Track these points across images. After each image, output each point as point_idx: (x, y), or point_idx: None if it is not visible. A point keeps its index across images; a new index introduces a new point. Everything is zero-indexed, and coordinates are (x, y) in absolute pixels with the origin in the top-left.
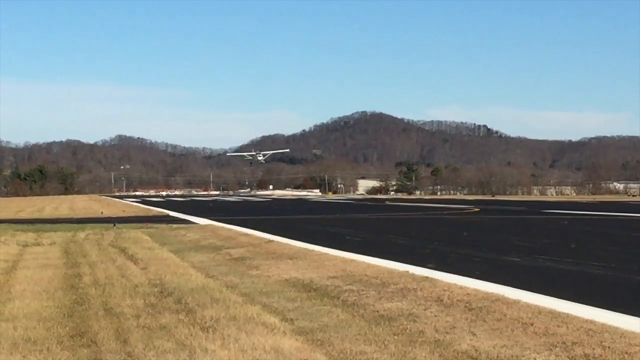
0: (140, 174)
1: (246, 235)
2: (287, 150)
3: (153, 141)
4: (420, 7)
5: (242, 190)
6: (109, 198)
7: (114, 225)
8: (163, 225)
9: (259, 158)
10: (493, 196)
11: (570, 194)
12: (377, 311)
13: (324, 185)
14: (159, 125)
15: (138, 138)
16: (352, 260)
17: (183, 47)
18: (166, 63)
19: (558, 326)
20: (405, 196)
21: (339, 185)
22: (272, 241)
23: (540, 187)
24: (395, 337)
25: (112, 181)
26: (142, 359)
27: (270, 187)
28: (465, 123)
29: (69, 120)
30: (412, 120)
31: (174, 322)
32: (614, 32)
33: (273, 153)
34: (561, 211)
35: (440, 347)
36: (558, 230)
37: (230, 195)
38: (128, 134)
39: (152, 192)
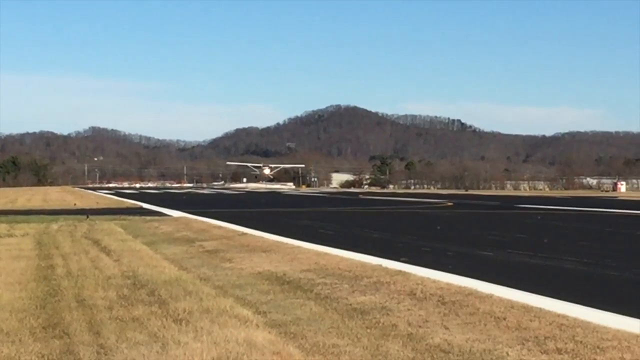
0: (114, 165)
1: (219, 227)
2: (302, 165)
3: (127, 133)
4: (394, 1)
5: (216, 183)
6: (82, 190)
7: (87, 217)
8: (136, 218)
9: (266, 172)
10: (466, 190)
11: (543, 189)
12: (350, 304)
13: (297, 178)
14: (133, 117)
15: (112, 130)
16: (326, 254)
17: (157, 39)
18: (140, 55)
19: (531, 320)
20: (378, 190)
21: (312, 179)
22: (246, 234)
23: (513, 182)
24: (368, 330)
25: (86, 173)
26: (115, 351)
27: (244, 180)
28: (439, 117)
29: (42, 112)
30: (386, 114)
31: (147, 314)
32: (588, 29)
33: (282, 168)
34: (534, 206)
35: (413, 340)
36: (531, 225)
37: (203, 188)
38: (102, 126)
39: (125, 184)
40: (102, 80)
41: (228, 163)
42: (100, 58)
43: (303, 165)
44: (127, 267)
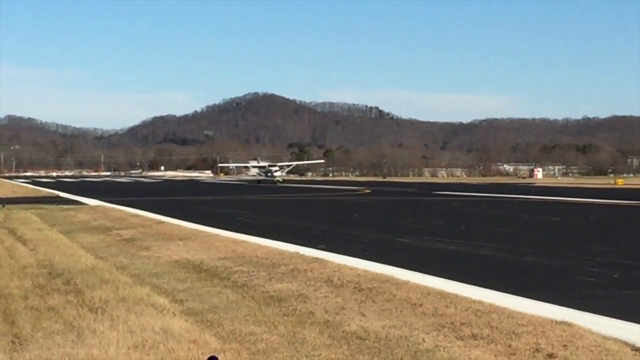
0: (31, 154)
1: (137, 216)
2: (322, 161)
3: (43, 121)
4: None
5: (134, 171)
6: None
7: (3, 206)
8: (53, 206)
9: (276, 174)
10: (384, 178)
11: (461, 176)
12: (267, 292)
13: (215, 166)
14: (50, 106)
15: (28, 118)
16: (243, 241)
17: (74, 27)
18: (57, 43)
19: (447, 307)
20: (297, 177)
21: (230, 167)
22: (163, 222)
23: (431, 169)
24: (285, 318)
25: (2, 162)
26: (30, 341)
27: (162, 168)
28: (357, 105)
29: None
30: (304, 102)
31: (63, 303)
32: (505, 16)
33: (286, 165)
34: (452, 193)
35: (330, 328)
36: (448, 211)
37: (121, 176)
38: (18, 114)
39: (42, 173)
40: (18, 68)
41: (232, 165)
42: (17, 46)
43: (323, 161)
44: (43, 256)
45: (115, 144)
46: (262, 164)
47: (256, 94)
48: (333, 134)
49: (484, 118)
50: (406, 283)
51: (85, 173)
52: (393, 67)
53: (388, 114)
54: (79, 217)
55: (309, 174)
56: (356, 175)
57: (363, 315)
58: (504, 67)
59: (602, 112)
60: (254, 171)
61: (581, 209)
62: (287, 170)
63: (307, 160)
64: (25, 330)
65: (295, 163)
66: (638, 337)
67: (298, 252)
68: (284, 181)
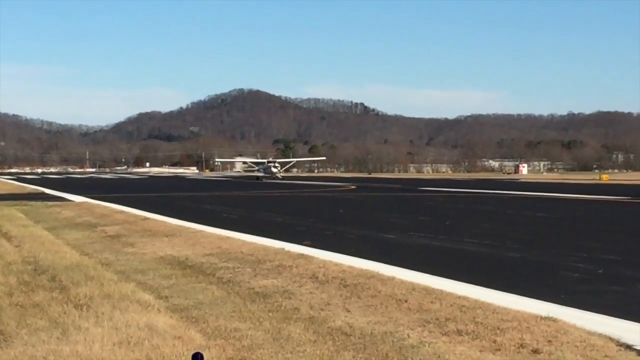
0: (15, 151)
1: (122, 212)
2: (324, 158)
3: (28, 118)
4: None
5: (119, 168)
6: None
7: None
8: (38, 203)
9: (275, 170)
10: (370, 174)
11: (446, 172)
12: (253, 288)
13: (201, 162)
14: (35, 102)
15: (13, 115)
16: (228, 238)
17: (60, 23)
18: (42, 40)
19: (432, 302)
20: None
21: (216, 163)
22: (148, 218)
23: (416, 165)
24: (270, 314)
25: None
26: (15, 337)
27: (147, 164)
28: (343, 101)
29: None
30: (290, 98)
31: (48, 300)
32: (491, 12)
33: (287, 162)
34: (437, 189)
35: (315, 323)
36: (434, 207)
37: (106, 173)
38: (3, 111)
39: (27, 170)
40: (3, 64)
41: (237, 160)
42: (1, 43)
43: (324, 158)
44: (28, 253)
45: (100, 140)
46: (261, 160)
47: (241, 90)
48: (318, 130)
49: (469, 114)
50: (391, 279)
51: (70, 169)
52: (378, 63)
53: (373, 110)
54: (64, 214)
55: (295, 170)
56: (341, 172)
57: (348, 311)
58: (489, 63)
59: (587, 107)
60: (254, 167)
61: (566, 205)
62: (288, 166)
63: (292, 157)
64: (9, 327)
65: (295, 160)
66: (622, 332)
67: (283, 249)
68: (283, 178)
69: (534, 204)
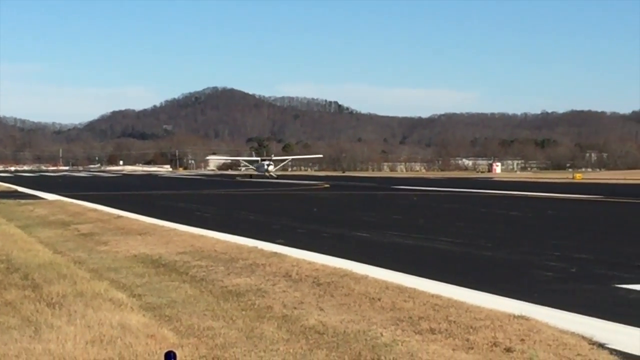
0: None
1: (95, 210)
2: (321, 155)
3: (1, 116)
4: None
5: (92, 166)
6: None
7: None
8: (11, 201)
9: (270, 168)
10: (343, 172)
11: (420, 170)
12: (226, 287)
13: (174, 161)
14: (8, 100)
15: None
16: (202, 236)
17: (32, 20)
18: (15, 37)
19: (405, 301)
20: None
21: (190, 161)
22: (122, 217)
23: (390, 164)
24: (243, 312)
25: None
26: None
27: (121, 162)
28: (316, 99)
29: None
30: (263, 96)
31: (20, 298)
32: (463, 11)
33: (280, 160)
34: (411, 187)
35: (288, 322)
36: (407, 206)
37: (80, 171)
38: None
39: (0, 168)
40: None
41: (241, 158)
42: None
43: (321, 156)
44: (0, 251)
45: (73, 138)
46: (255, 158)
47: (215, 88)
48: (292, 129)
49: (442, 113)
50: (364, 277)
51: (43, 168)
52: (352, 61)
53: (347, 108)
54: (37, 212)
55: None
56: (315, 170)
57: (321, 309)
58: (462, 62)
59: (560, 106)
60: (250, 165)
61: (539, 204)
62: (281, 165)
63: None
64: None
65: (290, 157)
66: (595, 330)
67: (257, 247)
68: (277, 177)
69: (507, 202)
